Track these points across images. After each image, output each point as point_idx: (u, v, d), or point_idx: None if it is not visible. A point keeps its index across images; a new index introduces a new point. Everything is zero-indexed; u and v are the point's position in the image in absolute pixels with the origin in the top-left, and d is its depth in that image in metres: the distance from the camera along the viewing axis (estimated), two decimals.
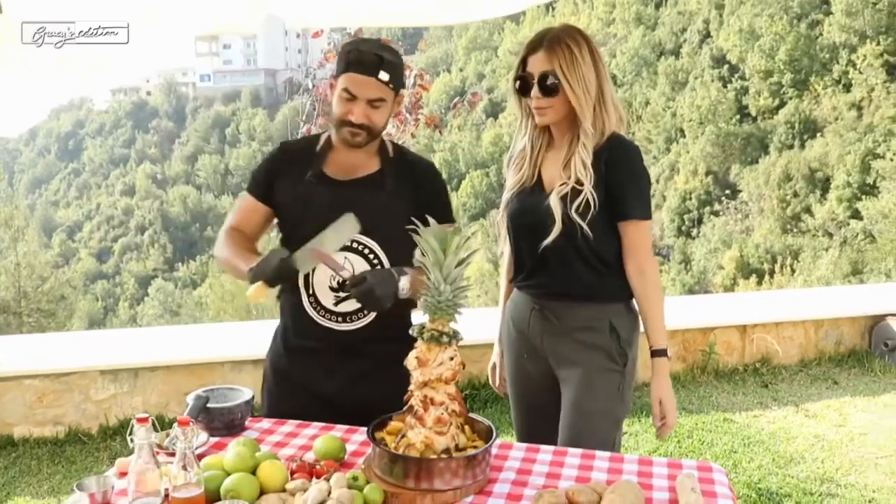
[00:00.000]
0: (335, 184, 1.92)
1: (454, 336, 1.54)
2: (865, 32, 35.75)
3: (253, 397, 1.93)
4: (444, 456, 1.51)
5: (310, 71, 4.67)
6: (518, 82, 1.99)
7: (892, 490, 3.30)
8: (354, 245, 1.87)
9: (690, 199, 37.34)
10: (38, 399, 3.84)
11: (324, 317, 1.92)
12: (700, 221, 36.62)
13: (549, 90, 1.91)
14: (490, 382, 2.34)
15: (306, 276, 1.90)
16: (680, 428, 3.97)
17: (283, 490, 1.50)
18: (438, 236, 1.56)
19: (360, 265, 1.88)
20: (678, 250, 36.05)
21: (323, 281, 1.89)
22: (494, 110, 49.05)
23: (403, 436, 1.58)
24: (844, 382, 4.69)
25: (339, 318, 1.92)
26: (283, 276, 1.78)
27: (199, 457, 1.63)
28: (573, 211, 1.88)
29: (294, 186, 1.93)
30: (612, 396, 1.96)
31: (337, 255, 1.83)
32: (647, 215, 1.95)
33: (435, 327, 1.54)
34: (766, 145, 37.17)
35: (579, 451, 1.75)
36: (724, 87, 40.37)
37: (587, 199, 1.88)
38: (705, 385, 4.61)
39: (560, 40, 1.91)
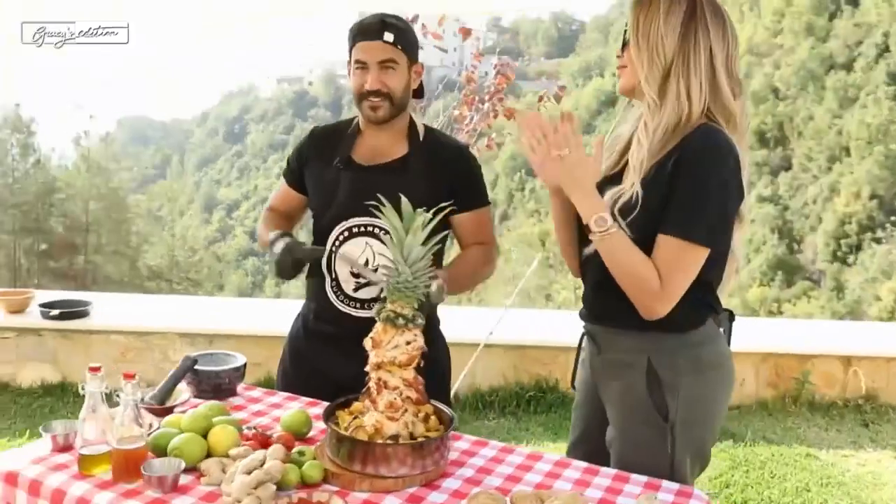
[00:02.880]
0: (360, 169, 1.89)
1: (412, 320, 1.48)
2: None
3: (244, 364, 1.95)
4: (389, 441, 1.46)
5: (466, 67, 4.63)
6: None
7: None
8: (375, 230, 1.85)
9: (850, 223, 34.49)
10: (122, 354, 4.12)
11: (343, 302, 1.91)
12: (859, 248, 33.74)
13: (624, 44, 1.61)
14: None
15: (329, 261, 1.90)
16: (753, 457, 3.67)
17: (227, 455, 1.50)
18: (410, 214, 1.50)
19: (382, 250, 1.85)
20: (831, 276, 33.48)
21: (345, 266, 1.88)
22: None
23: (356, 417, 1.54)
24: None
25: (358, 305, 1.90)
26: (297, 271, 1.83)
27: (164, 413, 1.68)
28: (617, 213, 1.53)
29: (321, 172, 1.93)
30: (659, 463, 1.56)
31: (357, 245, 1.85)
32: (695, 236, 1.46)
33: (393, 308, 1.49)
34: None
35: (556, 456, 1.64)
36: None
37: (630, 199, 1.51)
38: (795, 416, 4.22)
39: None
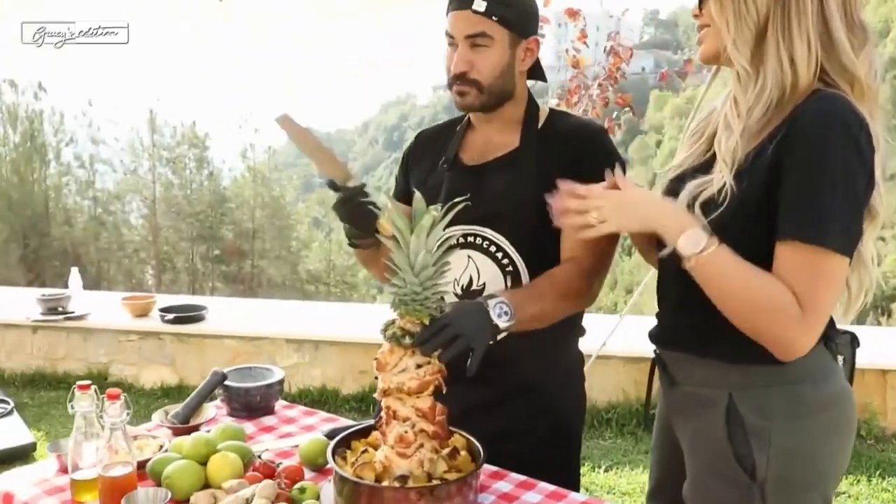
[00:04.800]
0: (463, 169, 1.60)
1: None
2: None
3: (281, 380, 1.80)
4: (395, 484, 1.23)
5: (566, 52, 4.37)
6: None
7: None
8: (477, 241, 1.54)
9: None
10: (233, 358, 4.16)
11: None
12: None
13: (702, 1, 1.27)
14: None
15: None
16: None
17: (220, 487, 1.34)
18: (419, 211, 1.27)
19: (487, 266, 1.53)
20: None
21: (448, 287, 1.55)
22: None
23: (366, 450, 1.32)
24: None
25: None
26: (351, 216, 1.45)
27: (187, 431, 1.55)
28: (697, 207, 1.21)
29: (425, 176, 1.66)
30: None
31: (458, 260, 1.51)
32: (831, 241, 1.10)
33: (402, 325, 1.26)
34: None
35: None
36: None
37: (718, 191, 1.18)
38: None
39: None
